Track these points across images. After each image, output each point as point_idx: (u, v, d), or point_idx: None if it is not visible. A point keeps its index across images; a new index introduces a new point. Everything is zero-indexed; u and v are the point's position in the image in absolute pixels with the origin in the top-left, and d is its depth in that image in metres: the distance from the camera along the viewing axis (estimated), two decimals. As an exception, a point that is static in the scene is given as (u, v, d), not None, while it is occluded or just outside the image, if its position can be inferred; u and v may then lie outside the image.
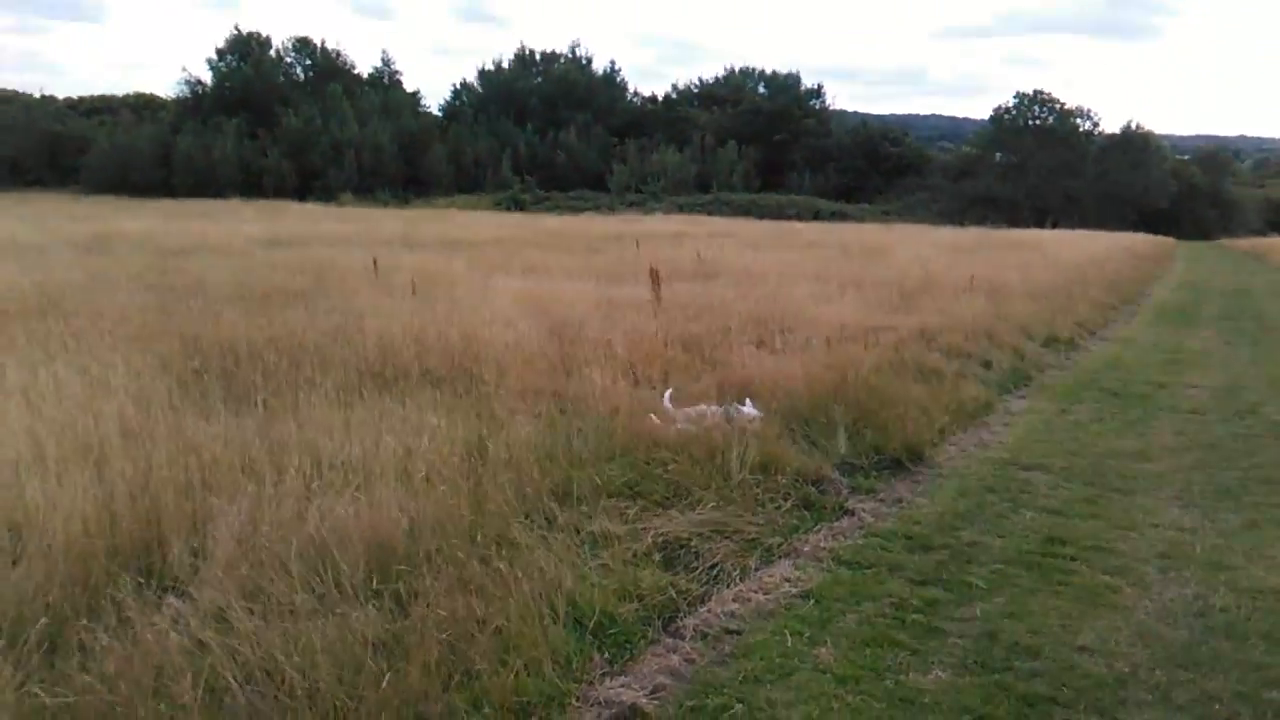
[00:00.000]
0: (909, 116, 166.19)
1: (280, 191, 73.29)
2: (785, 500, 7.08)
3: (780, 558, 6.28)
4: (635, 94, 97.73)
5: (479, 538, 5.51)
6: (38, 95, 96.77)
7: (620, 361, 10.19)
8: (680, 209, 69.38)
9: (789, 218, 62.05)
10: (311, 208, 57.91)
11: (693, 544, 6.14)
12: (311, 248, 24.97)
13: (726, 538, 6.29)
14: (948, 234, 42.21)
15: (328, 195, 72.13)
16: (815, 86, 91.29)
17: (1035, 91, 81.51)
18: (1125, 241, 43.23)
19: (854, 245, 30.88)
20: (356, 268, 17.78)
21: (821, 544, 6.51)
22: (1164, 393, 11.82)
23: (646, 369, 10.07)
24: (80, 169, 79.46)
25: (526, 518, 6.05)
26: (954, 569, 6.17)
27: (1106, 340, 16.64)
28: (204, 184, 73.87)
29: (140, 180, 74.72)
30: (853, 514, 7.11)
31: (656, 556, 5.97)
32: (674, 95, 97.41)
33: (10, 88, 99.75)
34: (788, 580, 5.93)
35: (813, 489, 7.38)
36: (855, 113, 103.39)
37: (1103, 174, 76.27)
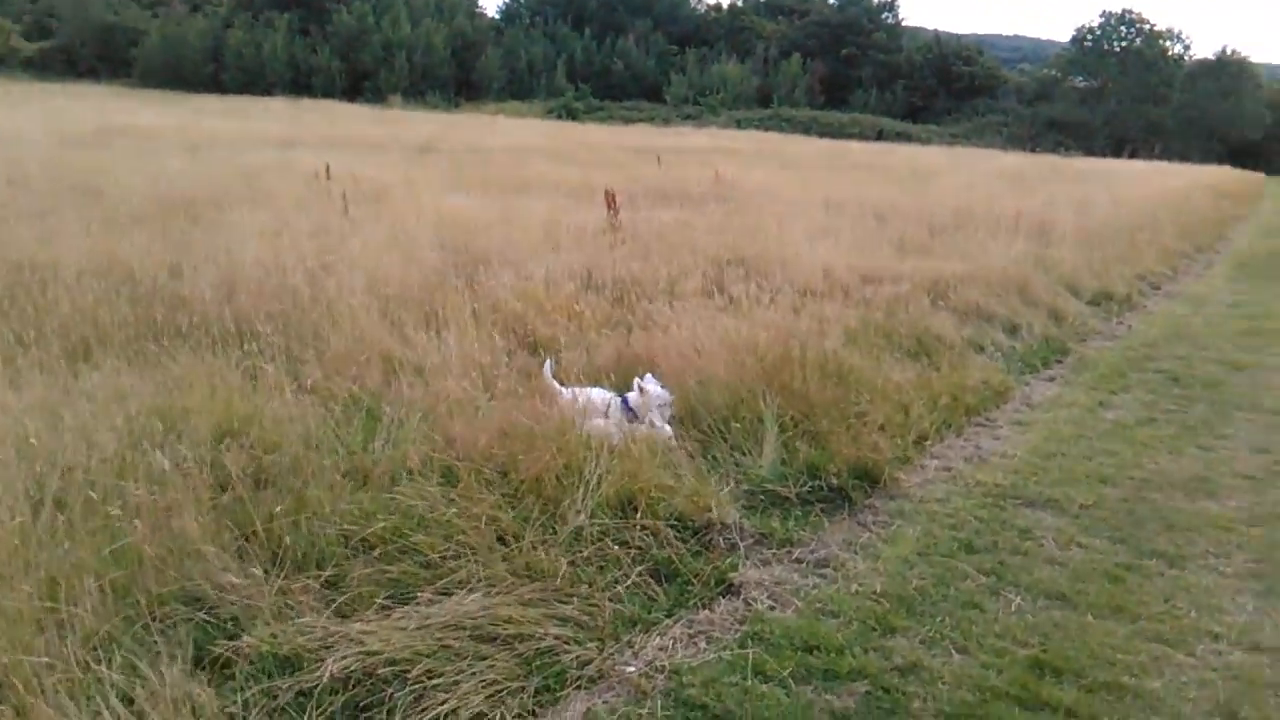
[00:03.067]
0: (990, 36, 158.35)
1: (329, 92, 71.39)
2: (634, 566, 4.59)
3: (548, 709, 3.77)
4: (699, 1, 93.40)
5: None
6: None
7: (508, 314, 7.69)
8: (737, 124, 66.30)
9: (850, 137, 58.62)
10: (356, 109, 55.79)
11: (413, 670, 3.66)
12: (296, 151, 22.74)
13: (481, 658, 3.81)
14: (1012, 160, 38.70)
15: (377, 97, 70.21)
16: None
17: (1123, 11, 75.98)
18: (1208, 176, 39.37)
19: (902, 169, 27.89)
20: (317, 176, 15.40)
21: (656, 663, 4.02)
22: (1241, 379, 9.00)
23: (545, 327, 7.56)
24: (132, 61, 77.69)
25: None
26: (860, 730, 3.68)
27: (1173, 298, 13.72)
28: (253, 81, 72.49)
29: (191, 75, 73.51)
30: (737, 592, 4.61)
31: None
32: (739, 3, 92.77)
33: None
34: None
35: (687, 543, 4.88)
36: (931, 30, 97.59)
37: (1190, 102, 71.00)
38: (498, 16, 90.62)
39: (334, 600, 4.04)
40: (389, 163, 20.78)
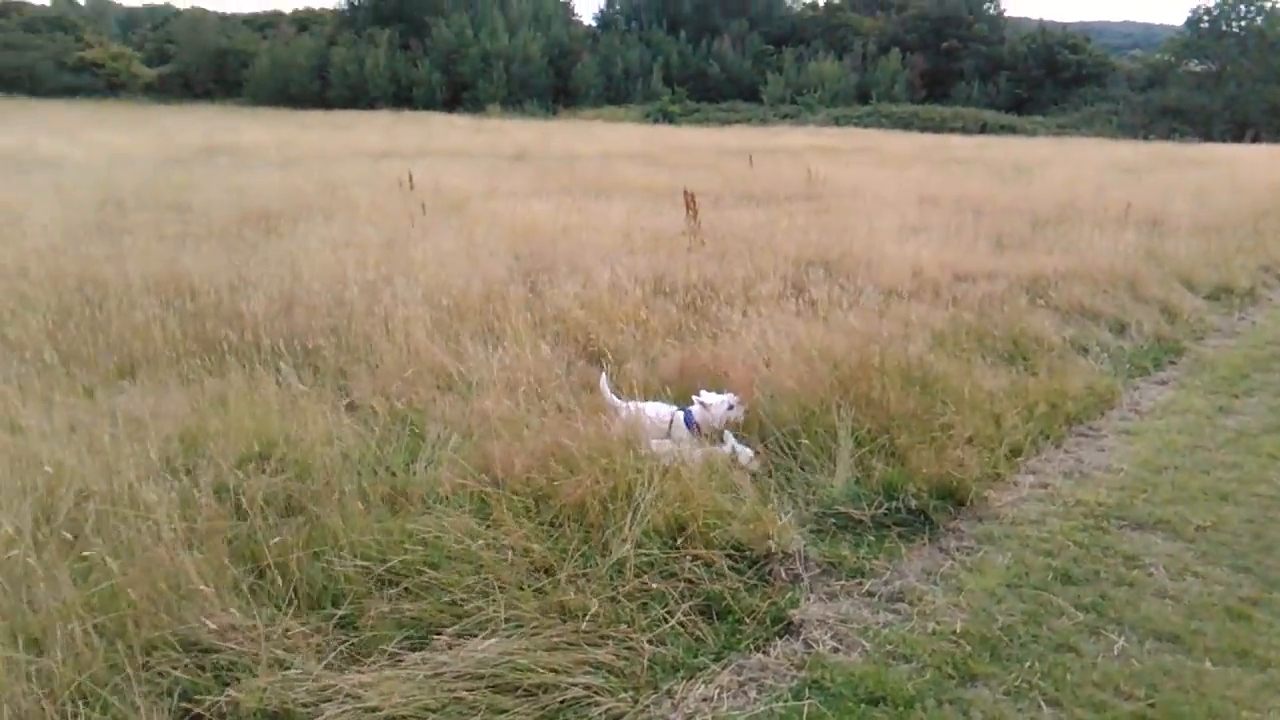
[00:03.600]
0: (1098, 23, 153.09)
1: (430, 104, 72.77)
2: (681, 602, 4.14)
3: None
4: (794, 0, 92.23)
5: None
6: (207, 11, 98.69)
7: (571, 323, 7.31)
8: (835, 121, 65.12)
9: (951, 131, 57.09)
10: (455, 119, 56.41)
11: (417, 730, 3.28)
12: (389, 162, 22.85)
13: (498, 712, 3.40)
14: (1124, 150, 37.11)
15: (476, 107, 71.09)
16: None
17: (1243, -11, 72.40)
18: (1341, 159, 37.10)
19: (1005, 162, 26.81)
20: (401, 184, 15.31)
21: (698, 716, 3.56)
22: (1383, 378, 8.14)
23: (609, 336, 7.15)
24: (244, 82, 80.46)
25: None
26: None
27: (1303, 290, 12.69)
28: (357, 96, 74.35)
29: (298, 92, 76.02)
30: (796, 631, 4.12)
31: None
32: (835, 1, 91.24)
33: (182, 5, 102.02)
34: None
35: (744, 575, 4.41)
36: (1035, 20, 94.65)
37: (1320, 82, 67.25)
38: (594, 24, 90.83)
39: (345, 643, 3.68)
40: (479, 171, 20.71)
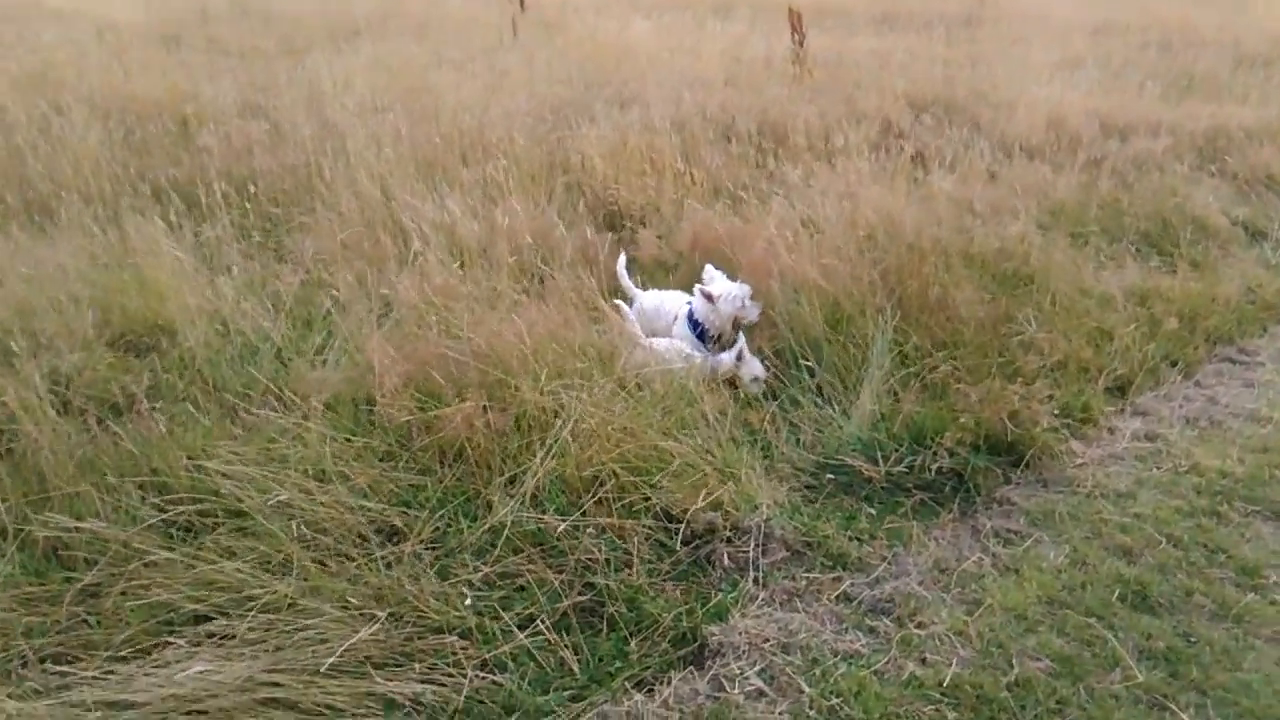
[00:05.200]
0: None
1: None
2: (551, 602, 2.96)
3: None
4: None
5: None
6: None
7: (595, 175, 6.00)
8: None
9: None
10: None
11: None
12: None
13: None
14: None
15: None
16: None
17: None
18: None
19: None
20: None
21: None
22: None
23: (632, 193, 5.82)
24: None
25: None
26: None
27: None
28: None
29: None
30: (708, 661, 2.88)
31: None
32: None
33: None
34: None
35: (664, 562, 3.18)
36: None
37: None
38: None
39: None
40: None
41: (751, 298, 4.45)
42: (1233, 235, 6.16)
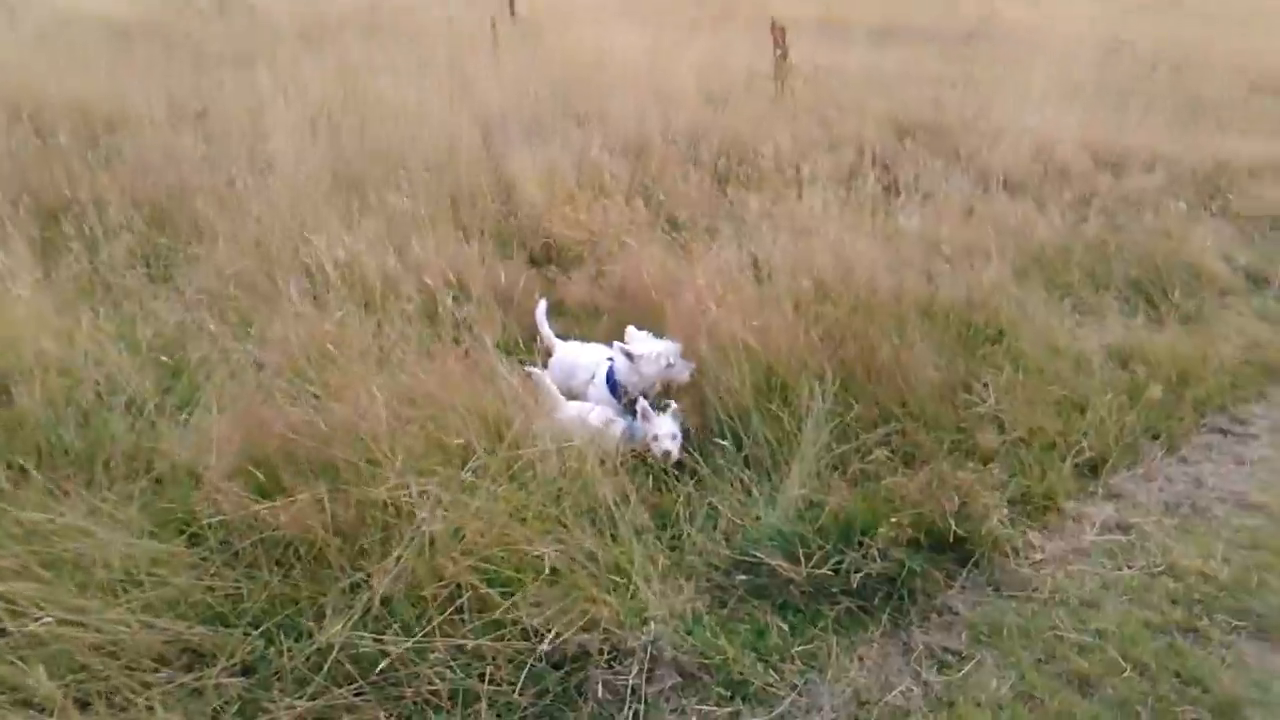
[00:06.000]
0: None
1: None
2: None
3: None
4: None
5: None
6: None
7: (529, 203, 5.49)
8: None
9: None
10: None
11: None
12: None
13: None
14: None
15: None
16: None
17: None
18: None
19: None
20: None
21: None
22: None
23: (569, 228, 5.31)
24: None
25: None
26: None
27: None
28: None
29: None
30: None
31: None
32: None
33: None
34: None
35: (525, 693, 2.67)
36: None
37: None
38: None
39: None
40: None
41: (682, 354, 3.94)
42: (1232, 283, 5.62)
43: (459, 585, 2.78)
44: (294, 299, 3.89)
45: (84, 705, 2.40)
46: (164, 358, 3.86)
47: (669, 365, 3.90)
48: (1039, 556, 3.43)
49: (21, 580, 2.57)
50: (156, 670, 2.56)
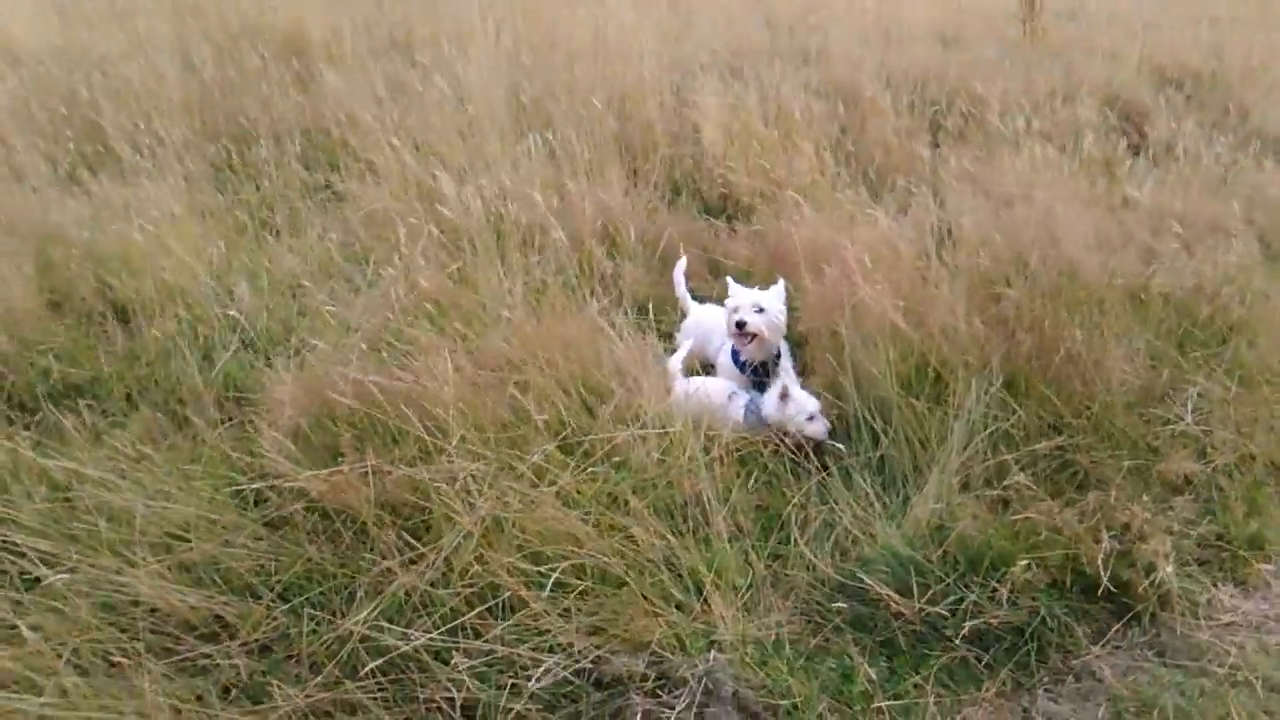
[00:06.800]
0: None
1: None
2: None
3: None
4: None
5: None
6: None
7: (710, 149, 5.10)
8: None
9: None
10: None
11: None
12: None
13: None
14: None
15: None
16: None
17: None
18: None
19: None
20: None
21: None
22: None
23: (759, 176, 4.87)
24: None
25: None
26: None
27: None
28: None
29: None
30: None
31: None
32: None
33: None
34: None
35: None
36: None
37: None
38: None
39: None
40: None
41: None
42: None
43: (495, 585, 2.49)
44: (412, 248, 3.67)
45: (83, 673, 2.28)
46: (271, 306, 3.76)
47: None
48: (1225, 619, 2.78)
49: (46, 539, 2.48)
50: (178, 640, 2.43)
